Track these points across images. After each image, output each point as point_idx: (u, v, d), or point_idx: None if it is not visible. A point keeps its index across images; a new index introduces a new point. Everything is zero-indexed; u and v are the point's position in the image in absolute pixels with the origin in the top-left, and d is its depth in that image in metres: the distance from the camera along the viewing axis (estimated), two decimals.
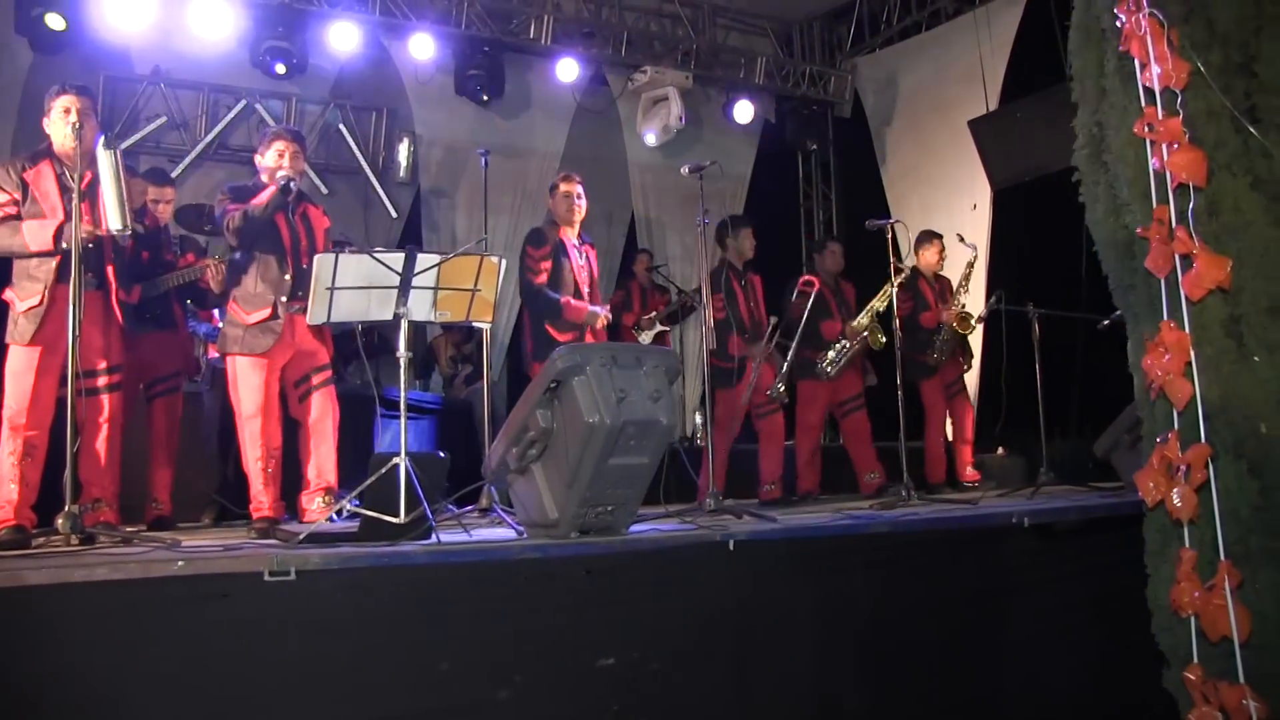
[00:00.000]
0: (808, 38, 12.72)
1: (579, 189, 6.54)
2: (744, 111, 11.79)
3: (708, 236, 6.21)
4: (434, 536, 4.31)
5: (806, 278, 7.39)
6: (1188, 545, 3.23)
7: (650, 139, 11.27)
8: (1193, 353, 3.18)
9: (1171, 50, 3.36)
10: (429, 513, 4.33)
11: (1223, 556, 3.14)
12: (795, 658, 4.37)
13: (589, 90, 11.32)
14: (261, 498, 5.38)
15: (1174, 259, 3.22)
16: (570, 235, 6.52)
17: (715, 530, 4.61)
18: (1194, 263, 3.15)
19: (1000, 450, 9.21)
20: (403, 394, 4.77)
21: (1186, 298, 3.19)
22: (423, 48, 9.96)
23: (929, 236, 8.51)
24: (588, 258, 6.60)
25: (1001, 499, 6.87)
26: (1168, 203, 3.27)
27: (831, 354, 7.65)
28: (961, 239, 8.38)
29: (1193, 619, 3.22)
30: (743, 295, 7.44)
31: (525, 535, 4.48)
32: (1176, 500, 3.17)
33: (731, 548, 4.28)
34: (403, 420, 4.68)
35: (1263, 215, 3.29)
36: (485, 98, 10.33)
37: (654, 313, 9.19)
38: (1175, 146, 3.26)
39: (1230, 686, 3.12)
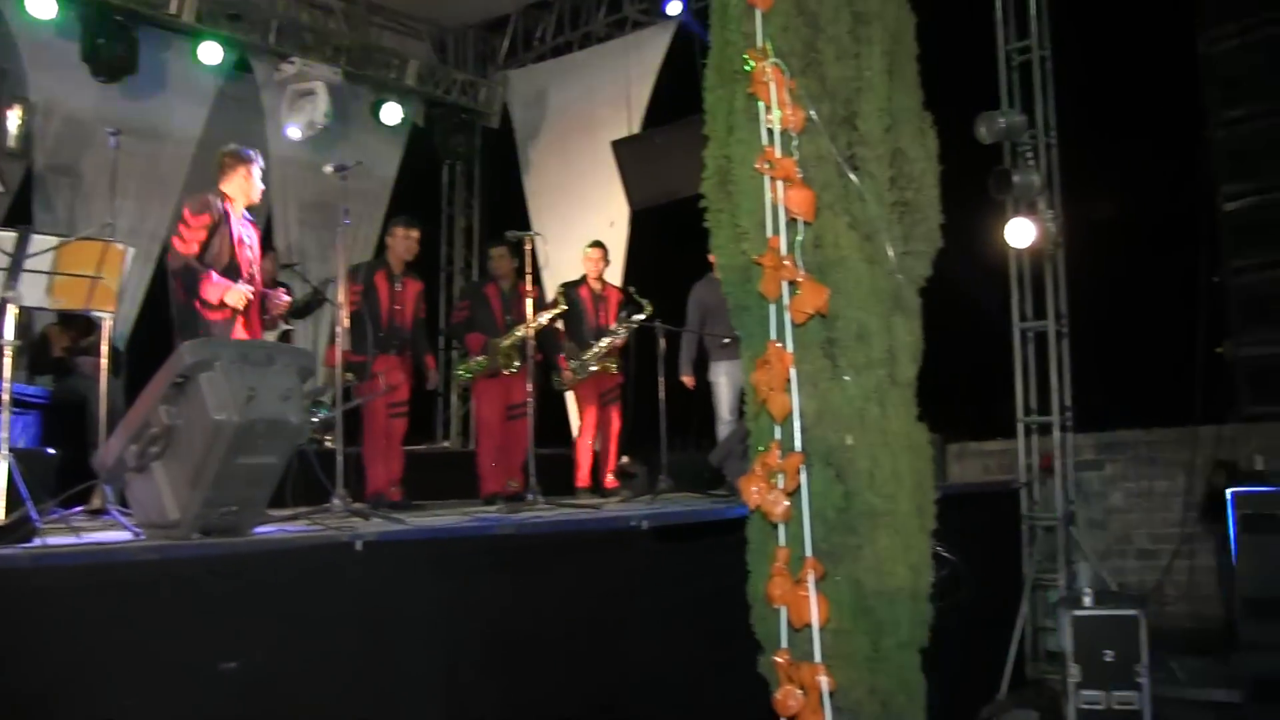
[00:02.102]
0: (462, 46, 12.79)
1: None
2: (392, 113, 11.66)
3: (348, 236, 6.13)
4: (37, 539, 4.01)
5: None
6: (782, 544, 3.59)
7: (294, 133, 10.85)
8: (793, 370, 3.54)
9: (791, 98, 3.73)
10: (33, 513, 4.03)
11: (809, 553, 3.51)
12: (423, 658, 4.42)
13: (232, 76, 10.80)
14: None
15: (783, 285, 3.57)
16: (237, 208, 6.13)
17: (343, 531, 4.58)
18: (799, 289, 3.51)
19: (625, 459, 9.65)
20: (5, 386, 4.40)
21: (791, 321, 3.55)
22: (43, 6, 9.05)
23: (593, 246, 8.77)
24: (253, 237, 6.26)
25: (624, 505, 7.22)
26: (780, 234, 3.62)
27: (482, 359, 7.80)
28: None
29: (783, 609, 3.59)
30: (388, 296, 7.36)
31: (143, 537, 4.26)
32: (774, 503, 3.51)
33: (359, 549, 4.27)
34: (5, 414, 4.33)
35: (857, 252, 3.74)
36: (115, 72, 9.56)
37: (275, 311, 8.89)
38: (789, 184, 3.62)
39: (809, 666, 3.50)
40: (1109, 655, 6.96)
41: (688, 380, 8.33)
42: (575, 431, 9.23)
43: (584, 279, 8.60)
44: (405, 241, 7.51)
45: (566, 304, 8.28)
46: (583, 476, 8.51)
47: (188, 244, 5.82)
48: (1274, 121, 6.56)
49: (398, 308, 7.42)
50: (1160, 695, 7.33)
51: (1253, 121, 6.67)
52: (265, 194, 10.53)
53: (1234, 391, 6.70)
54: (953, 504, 7.29)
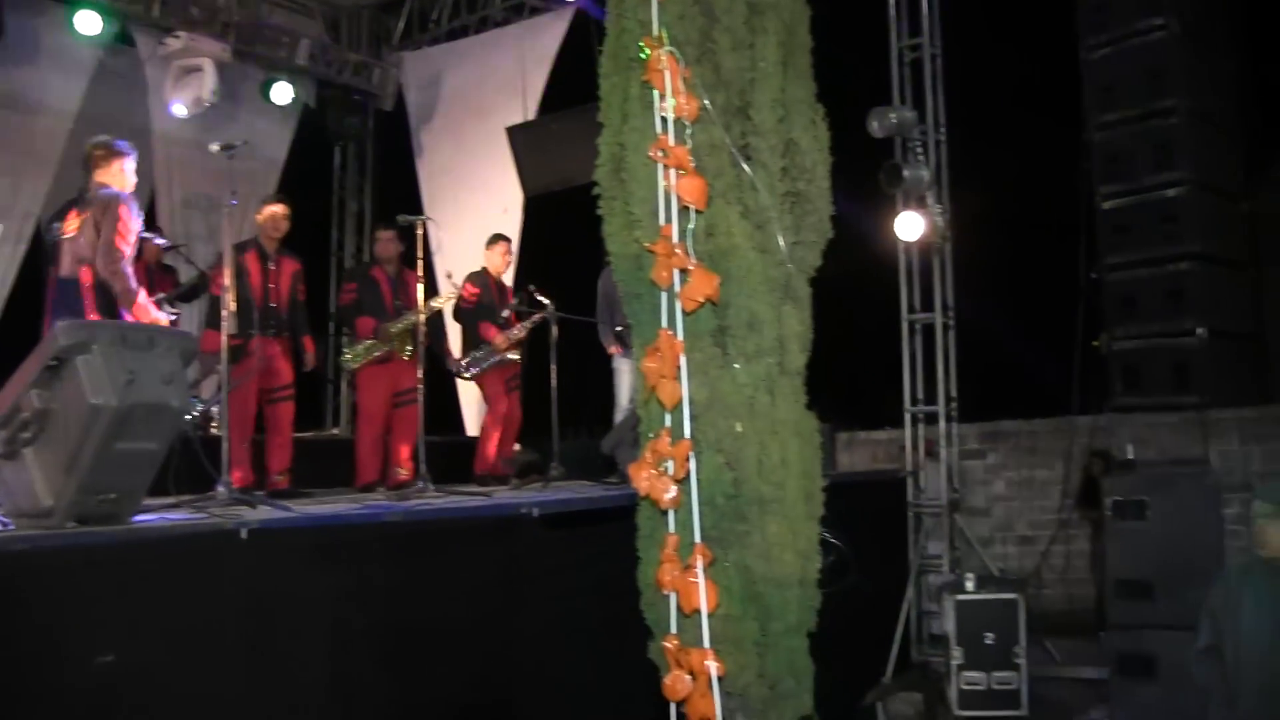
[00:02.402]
0: (356, 26, 12.55)
1: None
2: (283, 93, 11.37)
3: (235, 218, 5.97)
4: None
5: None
6: (672, 530, 3.61)
7: (180, 110, 10.48)
8: (684, 358, 3.56)
9: (686, 86, 3.75)
10: None
11: (697, 539, 3.54)
12: (310, 646, 4.34)
13: (113, 49, 10.40)
14: None
15: (674, 273, 3.59)
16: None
17: (228, 519, 4.47)
18: (690, 277, 3.54)
19: (518, 446, 9.60)
20: None
21: (682, 309, 3.57)
22: None
23: (496, 238, 8.65)
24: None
25: (515, 492, 7.19)
26: (672, 222, 3.64)
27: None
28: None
29: (673, 595, 3.61)
30: (260, 275, 7.13)
31: (12, 526, 4.10)
32: (663, 490, 3.53)
33: (244, 537, 4.17)
34: None
35: (749, 241, 3.78)
36: None
37: (160, 295, 8.60)
38: (682, 173, 3.64)
39: (698, 651, 3.53)
40: (990, 638, 7.19)
41: (614, 349, 8.25)
42: (468, 419, 9.15)
43: (484, 270, 8.49)
44: (271, 218, 7.26)
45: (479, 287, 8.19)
46: (486, 463, 8.42)
47: (126, 255, 5.55)
48: (1146, 126, 6.81)
49: (272, 286, 7.15)
50: (1037, 675, 7.60)
51: (1127, 125, 6.92)
52: (148, 173, 10.16)
53: (1108, 383, 6.95)
54: (841, 491, 7.42)
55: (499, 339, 8.00)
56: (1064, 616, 8.99)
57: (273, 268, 7.21)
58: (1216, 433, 9.09)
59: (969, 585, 7.38)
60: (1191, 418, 8.82)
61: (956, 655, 7.19)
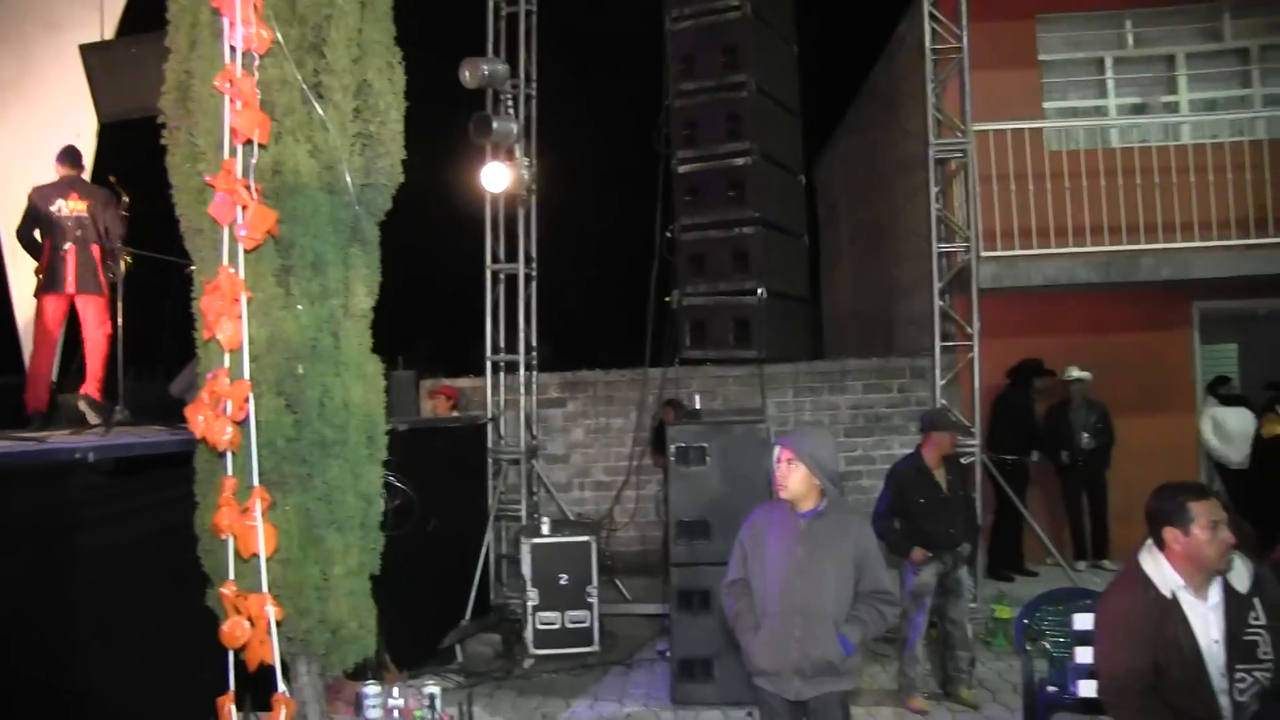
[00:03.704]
0: None
1: None
2: None
3: None
4: None
5: None
6: (230, 473, 3.51)
7: None
8: (245, 297, 3.46)
9: (257, 16, 3.60)
10: None
11: (256, 482, 3.47)
12: None
13: None
14: None
15: (236, 209, 3.46)
16: None
17: None
18: (249, 214, 3.43)
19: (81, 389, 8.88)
20: None
21: (243, 246, 3.46)
22: None
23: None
24: None
25: (73, 436, 6.66)
26: (236, 156, 3.51)
27: None
28: None
29: (230, 540, 3.52)
30: None
31: None
32: (219, 432, 3.42)
33: None
34: None
35: (316, 180, 3.71)
36: None
37: None
38: (247, 105, 3.51)
39: (256, 596, 3.47)
40: (564, 579, 7.55)
41: None
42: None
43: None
44: None
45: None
46: (38, 399, 7.66)
47: None
48: (720, 97, 7.28)
49: None
50: (609, 612, 8.08)
51: (703, 95, 7.36)
52: None
53: (678, 337, 7.42)
54: (424, 437, 7.56)
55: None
56: (636, 557, 9.60)
57: None
58: (774, 385, 10.01)
59: (544, 529, 7.71)
60: (753, 371, 9.64)
61: (533, 596, 7.49)
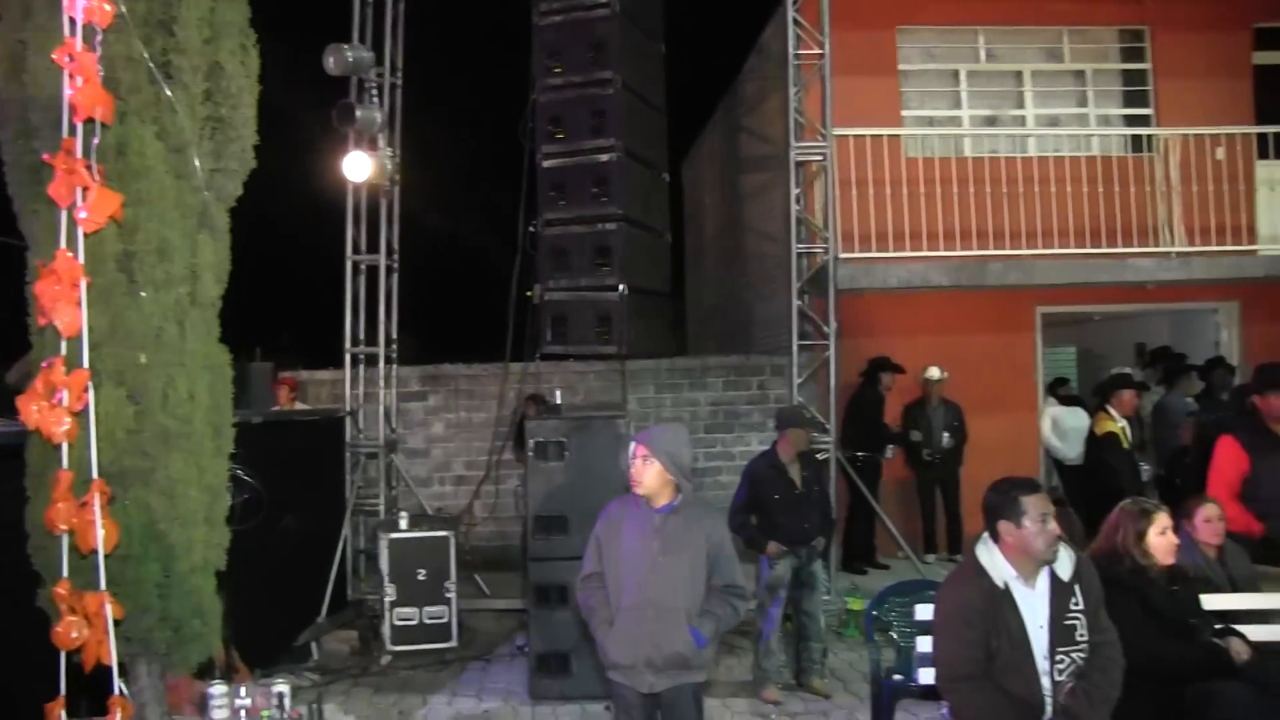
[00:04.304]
0: None
1: None
2: None
3: None
4: None
5: None
6: (65, 466, 3.35)
7: None
8: (84, 282, 3.31)
9: None
10: None
11: (95, 475, 3.33)
12: None
13: None
14: None
15: (76, 190, 3.31)
16: None
17: None
18: (91, 196, 3.28)
19: None
20: None
21: (82, 229, 3.31)
22: None
23: None
24: None
25: None
26: (77, 135, 3.35)
27: None
28: None
29: (65, 537, 3.36)
30: None
31: None
32: (55, 423, 3.27)
33: None
34: None
35: (163, 164, 3.58)
36: None
37: None
38: (88, 82, 3.36)
39: (93, 595, 3.33)
40: (422, 574, 7.45)
41: None
42: None
43: None
44: None
45: None
46: None
47: None
48: (586, 93, 7.27)
49: None
50: (468, 608, 8.00)
51: (570, 90, 7.35)
52: None
53: (539, 332, 7.38)
54: (279, 430, 7.36)
55: None
56: (496, 552, 9.53)
57: None
58: (636, 381, 10.06)
59: (402, 524, 7.60)
60: (615, 367, 9.66)
61: (390, 592, 7.37)
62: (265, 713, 4.00)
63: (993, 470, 3.78)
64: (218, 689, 4.05)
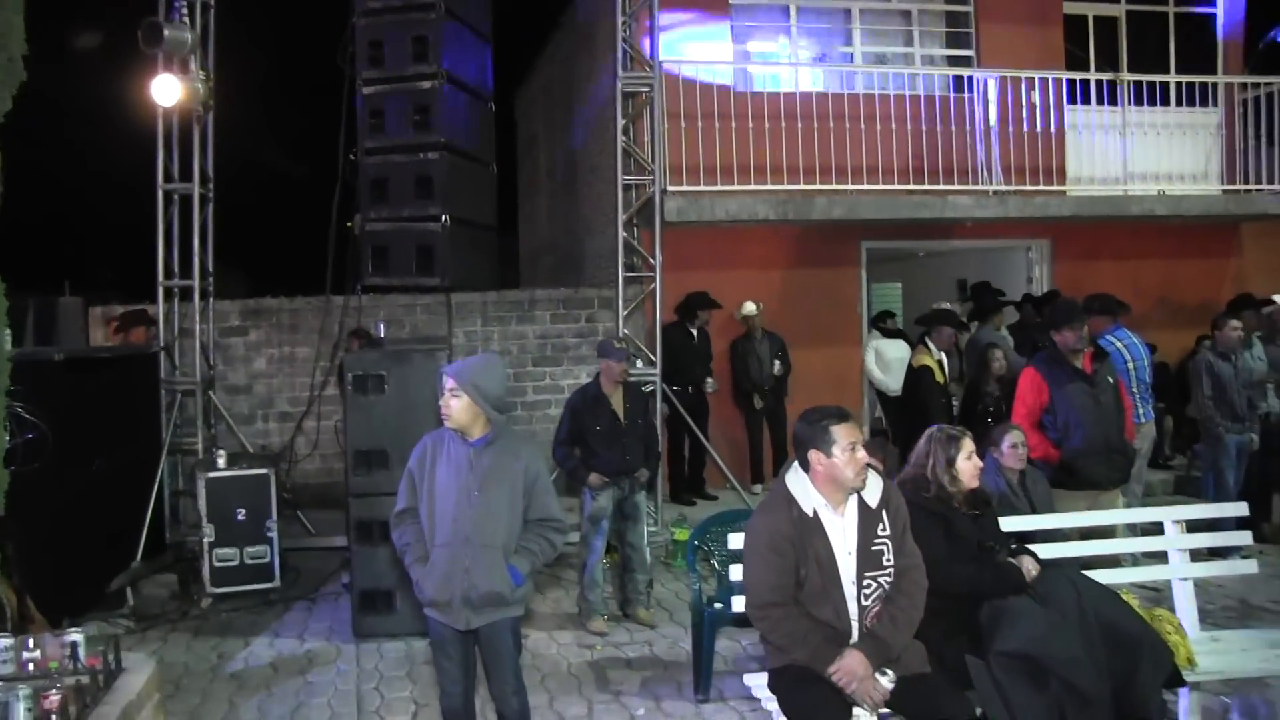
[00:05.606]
0: None
1: None
2: None
3: None
4: None
5: None
6: None
7: None
8: None
9: None
10: None
11: None
12: None
13: None
14: None
15: None
16: None
17: None
18: None
19: None
20: None
21: None
22: None
23: None
24: None
25: None
26: None
27: None
28: None
29: None
30: None
31: None
32: None
33: None
34: None
35: None
36: None
37: None
38: None
39: None
40: (242, 514, 7.23)
41: None
42: None
43: None
44: None
45: None
46: None
47: None
48: (407, 18, 7.02)
49: None
50: (291, 546, 7.83)
51: (390, 15, 7.08)
52: None
53: (360, 264, 7.18)
54: (85, 367, 7.01)
55: None
56: (321, 489, 9.34)
57: None
58: (462, 315, 9.93)
59: (220, 463, 7.34)
60: (441, 300, 9.50)
61: (208, 533, 7.14)
62: (54, 664, 3.82)
63: (818, 402, 3.85)
64: (2, 641, 3.84)
